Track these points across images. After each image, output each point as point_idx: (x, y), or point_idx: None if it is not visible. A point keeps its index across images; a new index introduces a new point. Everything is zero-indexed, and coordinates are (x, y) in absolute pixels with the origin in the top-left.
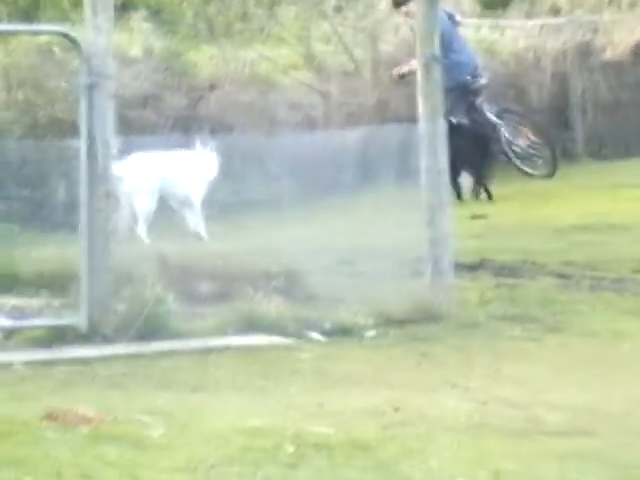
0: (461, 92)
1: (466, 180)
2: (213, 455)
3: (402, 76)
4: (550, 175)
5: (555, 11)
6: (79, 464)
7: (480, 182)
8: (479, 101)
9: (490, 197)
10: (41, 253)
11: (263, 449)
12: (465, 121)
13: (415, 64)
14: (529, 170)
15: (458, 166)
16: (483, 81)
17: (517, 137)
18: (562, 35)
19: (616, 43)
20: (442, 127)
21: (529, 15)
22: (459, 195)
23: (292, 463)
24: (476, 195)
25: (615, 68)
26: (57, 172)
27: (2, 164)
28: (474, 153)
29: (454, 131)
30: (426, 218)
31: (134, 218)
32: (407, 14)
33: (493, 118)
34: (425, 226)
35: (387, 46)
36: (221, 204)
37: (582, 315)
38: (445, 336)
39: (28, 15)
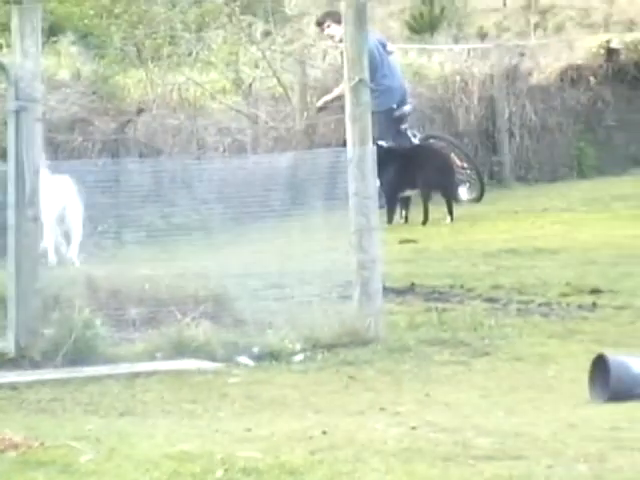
0: (387, 117)
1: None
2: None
3: (323, 106)
4: (478, 199)
5: (482, 36)
6: None
7: (426, 202)
8: (404, 127)
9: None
10: None
11: (192, 474)
12: (394, 145)
13: (341, 90)
14: (462, 195)
15: (397, 187)
16: (407, 108)
17: (452, 163)
18: (489, 59)
19: (543, 67)
20: (370, 151)
21: (456, 39)
22: (390, 219)
23: None
24: (425, 217)
25: (542, 92)
26: None
27: None
28: (410, 175)
29: (386, 155)
30: (354, 242)
31: None
32: (331, 37)
33: (420, 144)
34: (354, 250)
35: (315, 71)
36: (149, 228)
37: (510, 339)
38: (374, 360)
39: None
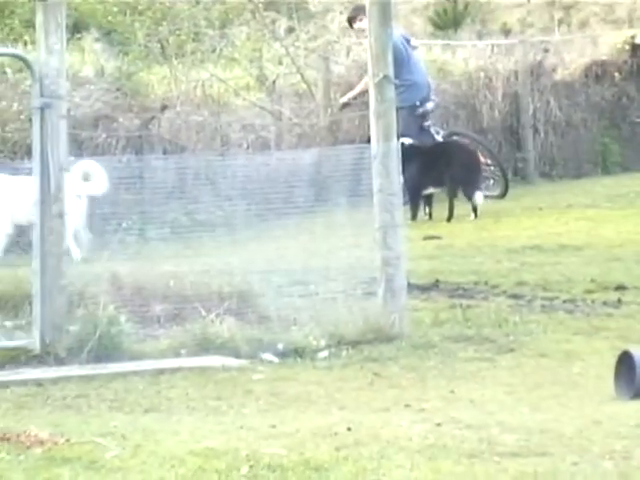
0: (410, 114)
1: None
2: (167, 476)
3: (348, 104)
4: (502, 196)
5: (506, 32)
6: None
7: (452, 198)
8: (427, 124)
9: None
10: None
11: (217, 470)
12: (423, 138)
13: (364, 86)
14: (486, 192)
15: (421, 184)
16: (430, 105)
17: (478, 159)
18: (513, 55)
19: (567, 63)
20: (395, 148)
21: (480, 35)
22: (414, 216)
23: None
24: (450, 213)
25: (566, 88)
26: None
27: None
28: (434, 171)
29: (409, 151)
30: (379, 239)
31: None
32: (363, 31)
33: (444, 141)
34: (378, 247)
35: (339, 67)
36: (173, 224)
37: (534, 336)
38: (398, 357)
39: None
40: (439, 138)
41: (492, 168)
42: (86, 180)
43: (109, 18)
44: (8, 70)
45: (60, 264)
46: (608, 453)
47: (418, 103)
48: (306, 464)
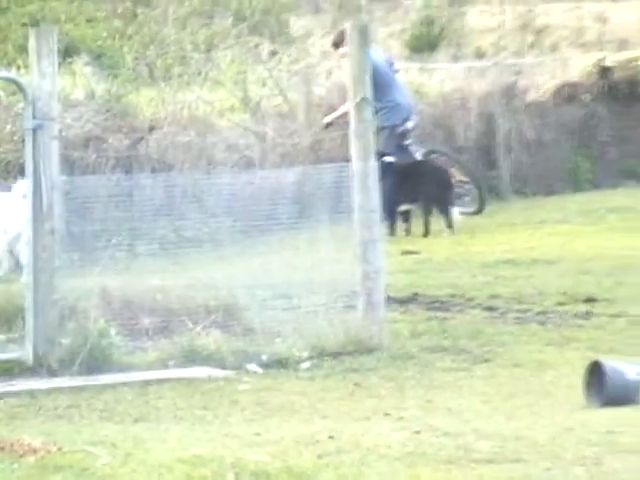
0: (391, 133)
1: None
2: None
3: (330, 125)
4: (478, 212)
5: (480, 55)
6: None
7: (427, 215)
8: (407, 143)
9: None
10: None
11: (204, 477)
12: (402, 156)
13: (346, 108)
14: (461, 209)
15: (399, 200)
16: (410, 125)
17: (450, 177)
18: (487, 77)
19: (539, 85)
20: (373, 166)
21: (455, 58)
22: (393, 230)
23: None
24: (426, 229)
25: (538, 109)
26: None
27: None
28: (412, 189)
29: (388, 169)
30: (359, 253)
31: None
32: (344, 55)
33: (422, 159)
34: (358, 261)
35: (320, 89)
36: (161, 241)
37: (508, 346)
38: (378, 367)
39: None
40: (418, 156)
41: (468, 185)
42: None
43: (99, 43)
44: (1, 93)
45: (52, 279)
46: (579, 459)
47: (399, 122)
48: (289, 471)
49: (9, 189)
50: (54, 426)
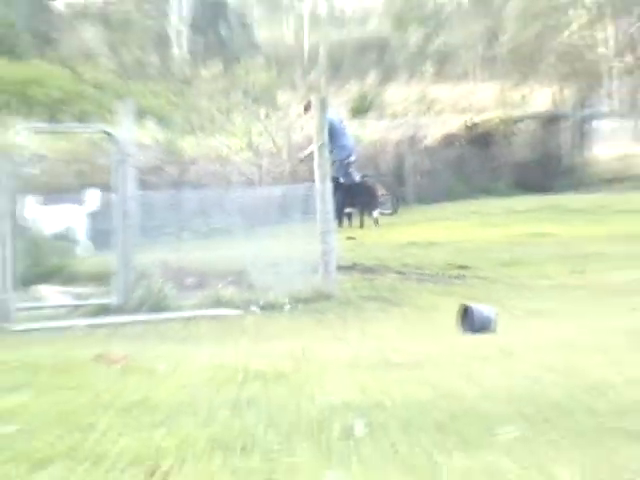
0: (341, 164)
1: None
2: (194, 380)
3: (304, 159)
4: (393, 213)
5: (394, 116)
6: (113, 388)
7: (362, 215)
8: (351, 170)
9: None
10: (95, 261)
11: (224, 377)
12: (347, 180)
13: (312, 149)
14: (382, 211)
15: (345, 206)
16: (352, 159)
17: (377, 192)
18: (399, 130)
19: (431, 135)
20: (329, 186)
21: (379, 118)
22: (341, 224)
23: (241, 385)
24: (361, 224)
25: (430, 150)
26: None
27: None
28: (353, 199)
29: (339, 187)
30: (320, 239)
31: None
32: (311, 116)
33: (359, 181)
34: (319, 244)
35: (296, 137)
36: (197, 231)
37: (412, 296)
38: (331, 309)
39: (82, 118)
40: (357, 179)
41: (387, 197)
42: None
43: (160, 109)
44: (98, 138)
45: (130, 255)
46: (455, 365)
47: (345, 157)
48: (277, 373)
49: (81, 201)
50: (132, 345)
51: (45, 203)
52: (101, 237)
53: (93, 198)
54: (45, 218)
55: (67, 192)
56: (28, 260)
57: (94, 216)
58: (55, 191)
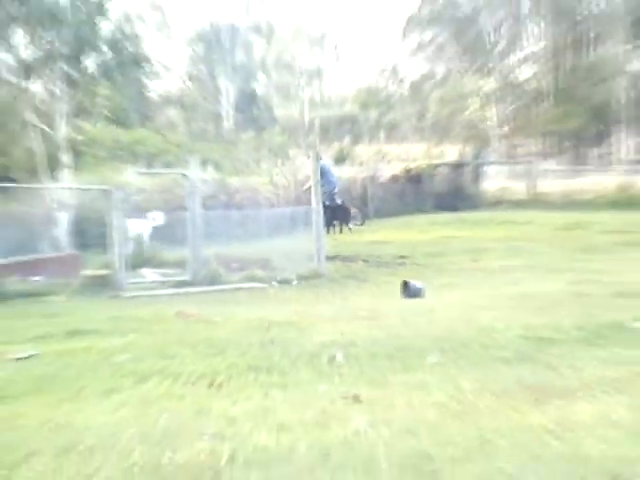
0: (329, 194)
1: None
2: (239, 328)
3: (305, 190)
4: (362, 224)
5: (361, 163)
6: (187, 332)
7: (342, 225)
8: (335, 197)
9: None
10: (174, 253)
11: (255, 325)
12: (332, 204)
13: (310, 184)
14: (354, 222)
15: (331, 220)
16: (336, 190)
17: (351, 210)
18: (364, 171)
19: (383, 175)
20: (320, 207)
21: (352, 165)
22: (328, 231)
23: (266, 330)
24: (341, 230)
25: (384, 185)
26: (181, 224)
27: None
28: (341, 216)
29: (327, 207)
30: (315, 240)
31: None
32: (310, 164)
33: (340, 203)
34: (315, 243)
35: (300, 176)
36: (239, 236)
37: (374, 276)
38: (323, 284)
39: (167, 165)
40: (339, 202)
41: (357, 214)
42: (153, 219)
43: (216, 158)
44: (177, 177)
45: (198, 249)
46: (399, 318)
47: (331, 189)
48: (289, 322)
49: (145, 217)
50: (198, 305)
51: (128, 217)
52: (168, 238)
53: (157, 216)
54: (131, 226)
55: (158, 211)
56: (134, 253)
57: (163, 226)
58: (150, 211)
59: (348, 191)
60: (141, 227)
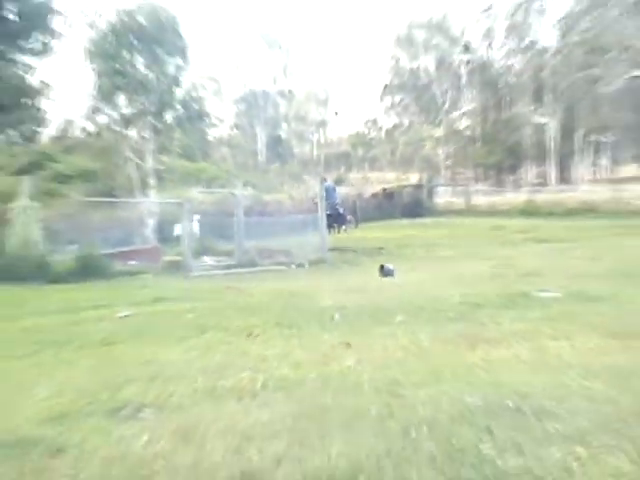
0: (332, 205)
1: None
2: (268, 296)
3: (314, 203)
4: (355, 227)
5: (352, 185)
6: (233, 300)
7: (341, 226)
8: (337, 207)
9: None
10: (224, 246)
11: (280, 294)
12: (332, 212)
13: (317, 199)
14: (350, 226)
15: (332, 223)
16: (338, 202)
17: (347, 216)
18: (354, 191)
19: (368, 193)
20: (325, 215)
21: (347, 185)
22: (329, 231)
23: (286, 297)
24: (339, 231)
25: (368, 199)
26: (229, 226)
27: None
28: (338, 220)
29: (333, 214)
30: (321, 237)
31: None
32: (318, 185)
33: (341, 212)
34: (320, 238)
35: (311, 193)
36: (267, 234)
37: (361, 261)
38: (326, 267)
39: (221, 186)
40: (341, 211)
41: (352, 219)
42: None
43: (254, 181)
44: (227, 194)
45: (242, 241)
46: (378, 289)
47: (333, 202)
48: (302, 292)
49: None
50: (241, 282)
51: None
52: (220, 236)
53: (196, 220)
54: (176, 228)
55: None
56: (197, 245)
57: (217, 227)
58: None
59: (345, 203)
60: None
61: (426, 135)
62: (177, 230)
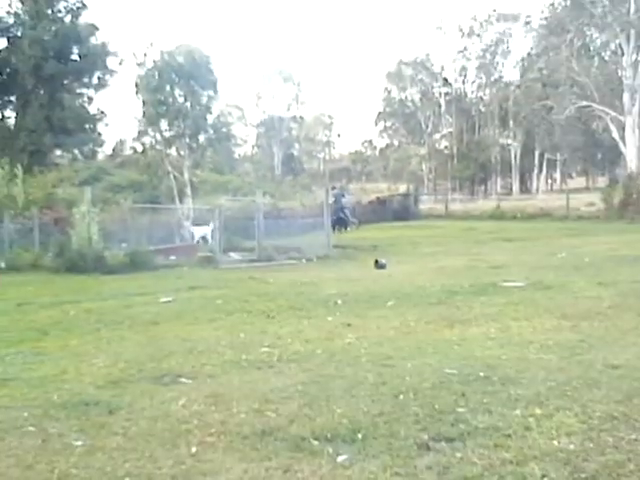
0: (341, 209)
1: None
2: (283, 285)
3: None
4: (357, 228)
5: (352, 194)
6: (255, 288)
7: (344, 228)
8: (345, 210)
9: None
10: (247, 243)
11: (292, 283)
12: (340, 215)
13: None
14: (354, 227)
15: (336, 225)
16: (348, 205)
17: (352, 219)
18: (355, 198)
19: (364, 201)
20: (329, 219)
21: (348, 194)
22: (333, 231)
23: (298, 286)
24: (341, 232)
25: (366, 206)
26: (252, 227)
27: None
28: (341, 223)
29: (337, 217)
30: (326, 236)
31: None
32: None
33: (348, 215)
34: (326, 237)
35: (318, 201)
36: (281, 233)
37: (360, 256)
38: (330, 261)
39: (244, 195)
40: (349, 214)
41: (355, 221)
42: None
43: (271, 192)
44: (247, 200)
45: (261, 241)
46: (373, 279)
47: (340, 207)
48: (311, 282)
49: (208, 223)
50: (261, 273)
51: (195, 225)
52: (244, 235)
53: (210, 226)
54: (195, 231)
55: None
56: (226, 243)
57: (242, 228)
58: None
59: (352, 208)
60: (205, 230)
61: (413, 153)
62: (197, 234)
